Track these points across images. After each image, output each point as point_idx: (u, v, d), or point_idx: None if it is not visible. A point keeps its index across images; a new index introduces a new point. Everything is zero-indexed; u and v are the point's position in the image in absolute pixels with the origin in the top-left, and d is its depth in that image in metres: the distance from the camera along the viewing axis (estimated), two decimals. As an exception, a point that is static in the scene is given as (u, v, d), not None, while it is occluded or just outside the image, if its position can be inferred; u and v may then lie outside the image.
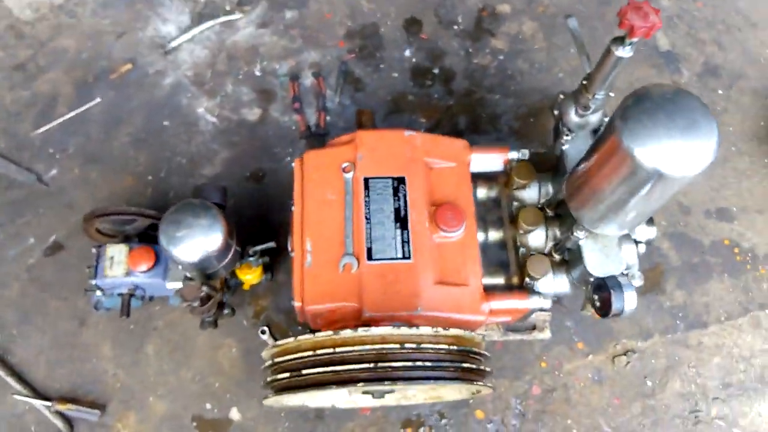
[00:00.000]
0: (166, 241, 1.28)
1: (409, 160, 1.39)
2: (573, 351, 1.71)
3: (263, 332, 1.64)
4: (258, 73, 1.97)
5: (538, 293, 1.36)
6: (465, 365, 1.19)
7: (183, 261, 1.30)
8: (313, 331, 1.20)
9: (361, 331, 1.14)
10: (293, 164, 1.44)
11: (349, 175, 1.37)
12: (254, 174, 1.84)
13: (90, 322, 1.68)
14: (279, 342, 1.23)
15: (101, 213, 1.51)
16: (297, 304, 1.31)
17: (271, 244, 1.50)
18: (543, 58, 2.07)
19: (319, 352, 1.15)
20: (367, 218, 1.33)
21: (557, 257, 1.41)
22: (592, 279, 1.29)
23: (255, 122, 1.91)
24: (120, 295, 1.55)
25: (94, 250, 1.54)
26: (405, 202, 1.35)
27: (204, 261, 1.32)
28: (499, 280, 1.41)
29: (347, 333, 1.15)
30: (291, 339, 1.19)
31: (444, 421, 1.62)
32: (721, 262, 1.85)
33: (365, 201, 1.34)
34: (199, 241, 1.29)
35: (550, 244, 1.42)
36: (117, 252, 1.50)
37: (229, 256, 1.38)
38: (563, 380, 1.68)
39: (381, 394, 1.34)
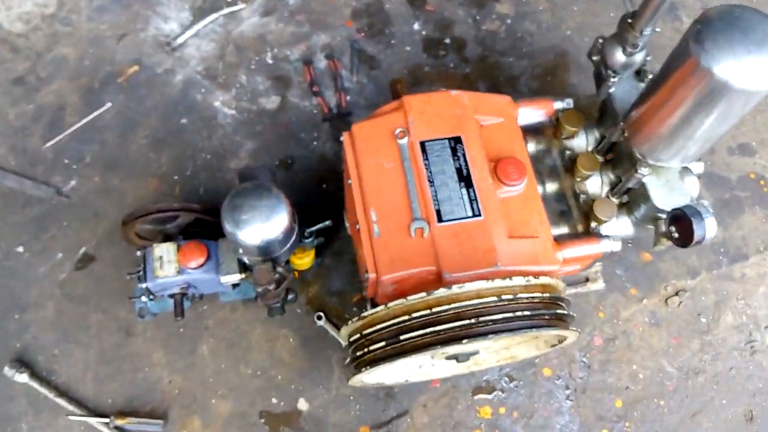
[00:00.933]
0: (232, 225, 1.23)
1: (461, 119, 1.37)
2: (627, 298, 1.72)
3: (319, 318, 1.62)
4: (270, 61, 1.93)
5: (607, 237, 1.36)
6: (558, 311, 1.18)
7: (249, 245, 1.26)
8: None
9: (456, 289, 1.12)
10: (342, 138, 1.40)
11: (404, 141, 1.34)
12: (283, 162, 1.80)
13: (136, 331, 1.61)
14: (366, 313, 1.19)
15: (143, 213, 1.45)
16: (370, 275, 1.27)
17: (328, 223, 1.46)
18: (549, 18, 2.08)
19: (414, 315, 1.13)
20: (430, 181, 1.31)
21: (615, 200, 1.41)
22: (662, 214, 1.29)
23: (275, 110, 1.86)
24: (171, 296, 1.49)
25: (139, 253, 1.47)
26: (465, 160, 1.33)
27: (269, 245, 1.28)
28: (564, 230, 1.41)
29: (441, 292, 1.12)
30: (380, 308, 1.16)
31: (513, 383, 1.61)
32: (750, 195, 1.89)
33: (425, 164, 1.32)
34: (264, 223, 1.24)
35: (606, 188, 1.43)
36: (165, 251, 1.44)
37: (292, 239, 1.34)
38: (622, 327, 1.69)
39: (467, 357, 1.32)
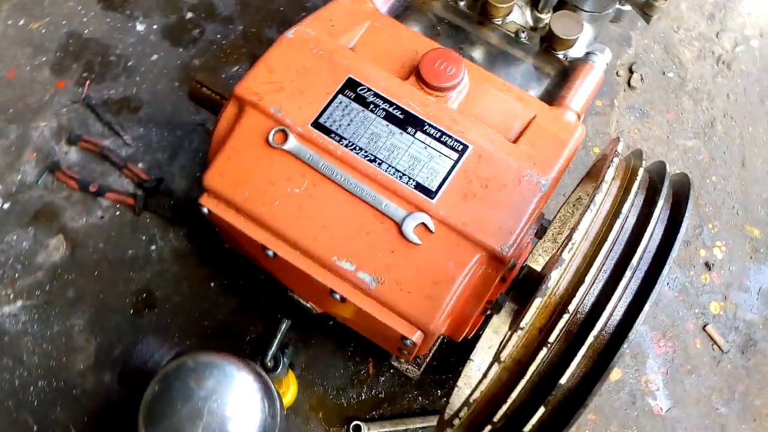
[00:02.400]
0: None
1: (329, 58, 0.87)
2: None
3: (358, 429, 1.09)
4: (5, 205, 1.24)
5: (592, 53, 0.97)
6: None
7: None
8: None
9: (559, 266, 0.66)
10: (204, 209, 0.84)
11: (291, 142, 0.82)
12: (137, 304, 1.17)
13: None
14: (476, 394, 0.70)
15: None
16: (414, 339, 0.78)
17: (287, 323, 0.91)
18: None
19: (552, 340, 0.66)
20: (372, 159, 0.81)
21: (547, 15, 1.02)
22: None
23: (65, 256, 1.20)
24: None
25: None
26: (382, 99, 0.85)
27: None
28: (538, 90, 1.00)
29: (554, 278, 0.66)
30: (493, 369, 0.68)
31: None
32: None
33: (345, 145, 0.82)
34: None
35: (529, 15, 1.03)
36: None
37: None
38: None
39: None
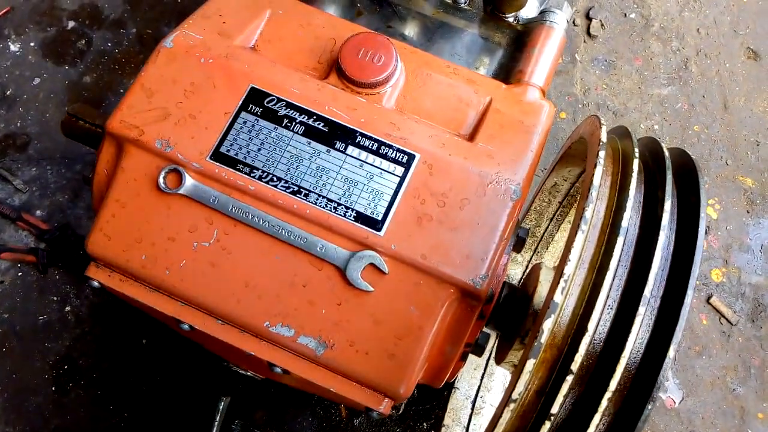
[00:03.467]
0: None
1: (222, 66, 0.68)
2: None
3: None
4: None
5: (549, 11, 0.80)
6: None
7: None
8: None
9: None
10: (92, 282, 0.66)
11: (188, 182, 0.64)
12: (57, 379, 0.99)
13: None
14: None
15: None
16: (380, 411, 0.62)
17: (225, 402, 0.74)
18: None
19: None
20: (297, 191, 0.63)
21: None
22: None
23: (-34, 333, 1.01)
24: None
25: None
26: (296, 109, 0.66)
27: None
28: (491, 65, 0.82)
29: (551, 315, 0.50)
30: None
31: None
32: None
33: (257, 178, 0.64)
34: None
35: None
36: None
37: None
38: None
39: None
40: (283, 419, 0.97)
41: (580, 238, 0.51)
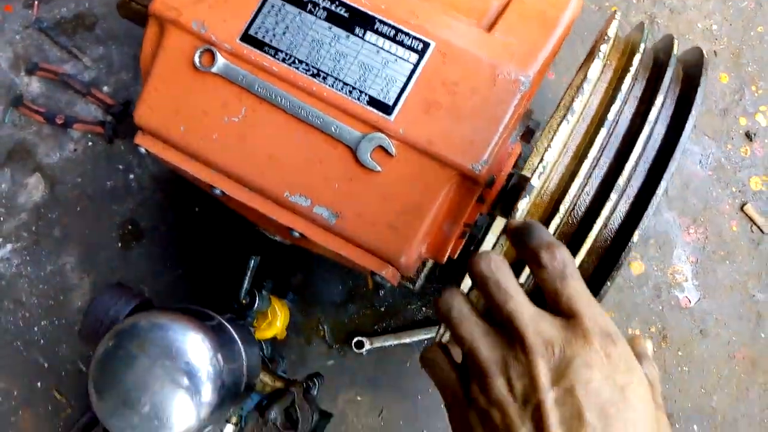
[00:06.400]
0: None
1: (257, -51, 0.72)
2: None
3: (360, 345, 1.06)
4: (-25, 147, 1.18)
5: None
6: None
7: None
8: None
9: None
10: (139, 147, 0.75)
11: (219, 62, 0.70)
12: (124, 236, 1.13)
13: None
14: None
15: None
16: (383, 274, 0.70)
17: (255, 261, 0.84)
18: None
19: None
20: (316, 73, 0.68)
21: None
22: None
23: (45, 196, 1.15)
24: None
25: None
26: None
27: (222, 399, 0.67)
28: None
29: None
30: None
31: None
32: None
33: (281, 60, 0.69)
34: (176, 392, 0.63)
35: None
36: None
37: (242, 358, 0.73)
38: None
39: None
40: (314, 285, 1.08)
41: (564, 127, 0.54)
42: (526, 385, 0.39)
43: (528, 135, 0.74)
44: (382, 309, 1.08)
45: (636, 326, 1.06)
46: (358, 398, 1.06)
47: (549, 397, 0.38)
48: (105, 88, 1.17)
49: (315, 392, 0.86)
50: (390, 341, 1.06)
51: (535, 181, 0.54)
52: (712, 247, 1.08)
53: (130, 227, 1.13)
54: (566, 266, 0.43)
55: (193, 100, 0.71)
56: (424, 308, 1.08)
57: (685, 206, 1.09)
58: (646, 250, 1.08)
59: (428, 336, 1.06)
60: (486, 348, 0.42)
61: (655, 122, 0.56)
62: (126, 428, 0.61)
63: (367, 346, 1.05)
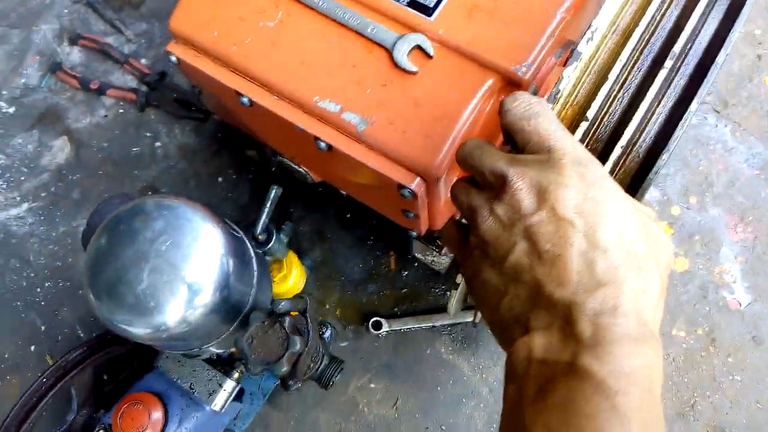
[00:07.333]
0: (129, 316, 0.55)
1: None
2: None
3: (378, 326, 0.98)
4: (10, 109, 1.18)
5: None
6: None
7: (186, 329, 0.59)
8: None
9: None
10: (171, 56, 0.74)
11: (262, -34, 0.69)
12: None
13: None
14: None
15: None
16: (411, 187, 0.65)
17: (276, 190, 0.79)
18: None
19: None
20: None
21: None
22: None
23: (70, 157, 1.14)
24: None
25: None
26: None
27: (221, 306, 0.61)
28: None
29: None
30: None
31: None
32: None
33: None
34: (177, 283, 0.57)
35: None
36: None
37: (254, 268, 0.68)
38: None
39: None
40: (334, 259, 1.02)
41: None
42: (512, 215, 0.43)
43: (568, 57, 0.71)
44: (404, 291, 1.01)
45: (681, 326, 0.97)
46: (372, 385, 0.97)
47: (534, 218, 0.42)
48: (143, 61, 1.18)
49: (327, 337, 0.78)
50: (410, 324, 0.98)
51: (582, 47, 0.50)
52: (762, 247, 1.00)
53: (149, 192, 1.10)
54: (531, 106, 0.46)
55: (230, 6, 0.70)
56: (447, 293, 1.00)
57: (732, 204, 1.03)
58: (690, 246, 1.01)
59: (451, 322, 0.98)
60: (477, 198, 0.47)
61: (701, 19, 0.52)
62: (119, 307, 0.55)
63: (386, 327, 0.98)
